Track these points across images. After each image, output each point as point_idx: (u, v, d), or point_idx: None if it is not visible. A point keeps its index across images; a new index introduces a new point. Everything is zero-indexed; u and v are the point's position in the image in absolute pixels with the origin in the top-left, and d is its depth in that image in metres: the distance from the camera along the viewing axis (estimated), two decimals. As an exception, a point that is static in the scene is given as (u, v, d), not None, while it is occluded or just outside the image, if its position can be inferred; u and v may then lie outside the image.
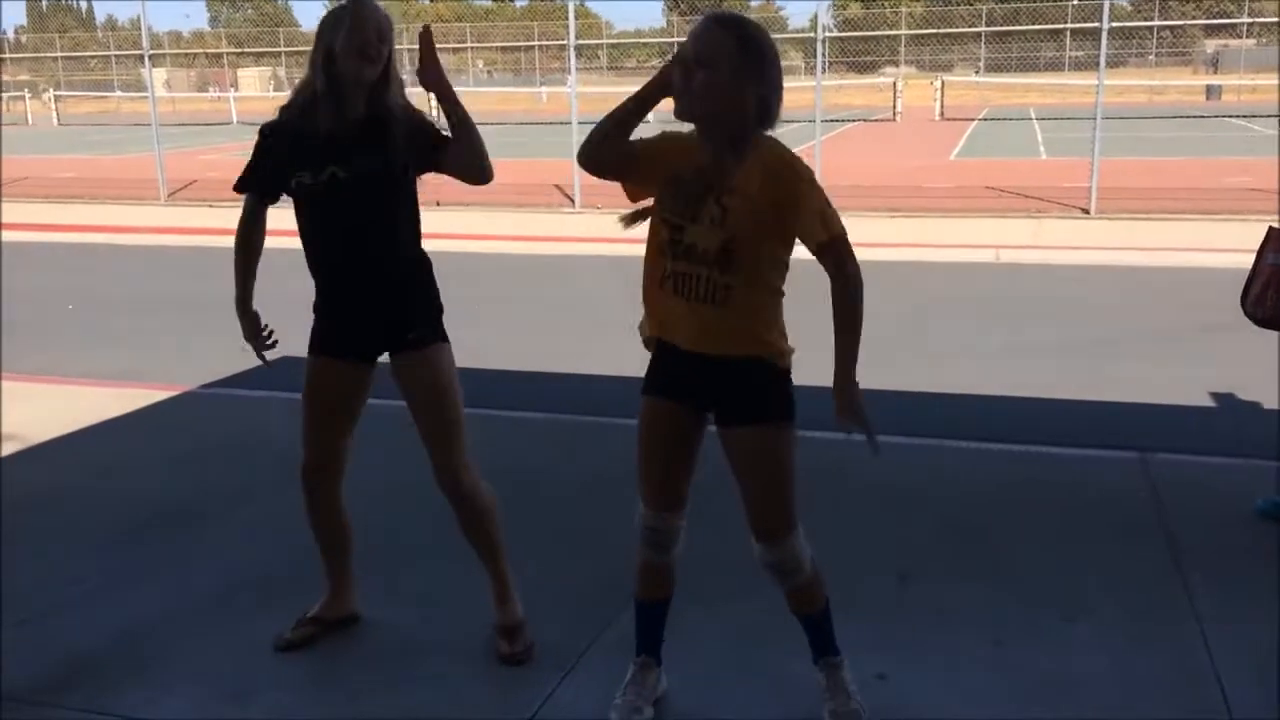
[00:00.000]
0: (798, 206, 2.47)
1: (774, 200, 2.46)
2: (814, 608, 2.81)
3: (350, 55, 2.87)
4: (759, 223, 2.47)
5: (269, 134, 3.03)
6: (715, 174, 2.49)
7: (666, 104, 2.56)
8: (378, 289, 3.01)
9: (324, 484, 3.19)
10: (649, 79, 2.58)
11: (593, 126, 2.61)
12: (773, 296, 2.59)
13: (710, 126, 2.50)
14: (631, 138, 2.60)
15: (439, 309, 3.13)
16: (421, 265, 3.11)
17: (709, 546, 3.15)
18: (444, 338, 3.11)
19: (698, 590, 3.30)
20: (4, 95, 48.16)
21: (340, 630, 3.32)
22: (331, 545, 3.28)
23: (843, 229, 2.52)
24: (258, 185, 3.07)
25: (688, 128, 2.56)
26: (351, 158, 2.92)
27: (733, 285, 2.50)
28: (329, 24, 2.91)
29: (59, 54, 49.93)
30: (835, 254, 2.51)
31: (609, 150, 2.60)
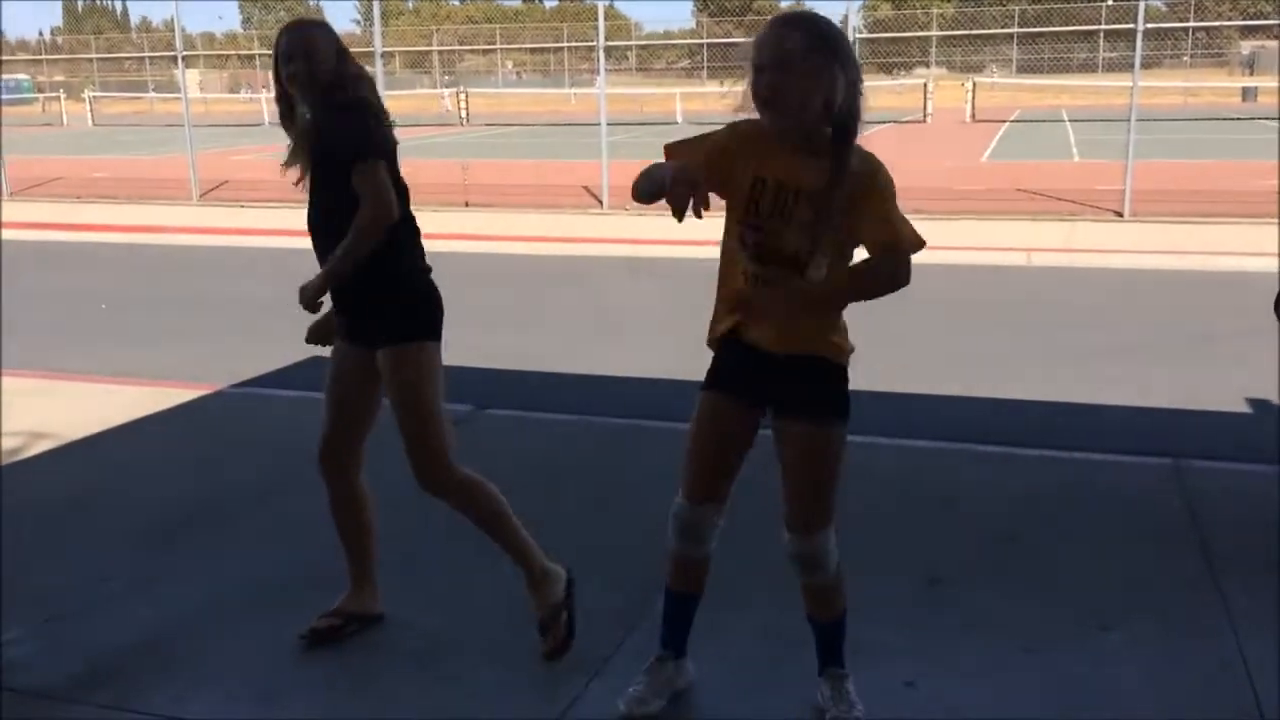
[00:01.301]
0: (866, 208, 2.50)
1: (851, 201, 2.48)
2: (830, 614, 2.82)
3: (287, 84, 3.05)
4: (838, 226, 2.50)
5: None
6: (801, 176, 2.49)
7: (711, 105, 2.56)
8: (345, 282, 3.05)
9: (339, 471, 3.22)
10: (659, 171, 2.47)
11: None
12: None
13: (792, 127, 2.49)
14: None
15: (413, 306, 3.08)
16: (396, 258, 3.05)
17: (742, 547, 3.13)
18: (411, 337, 3.06)
19: (729, 591, 3.28)
20: (40, 96, 48.80)
21: (365, 628, 3.32)
22: (351, 537, 3.30)
23: (912, 239, 2.55)
24: None
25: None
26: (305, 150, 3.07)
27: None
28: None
29: (94, 55, 50.51)
30: (895, 255, 2.55)
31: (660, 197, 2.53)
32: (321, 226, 3.07)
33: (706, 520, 2.74)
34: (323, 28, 3.10)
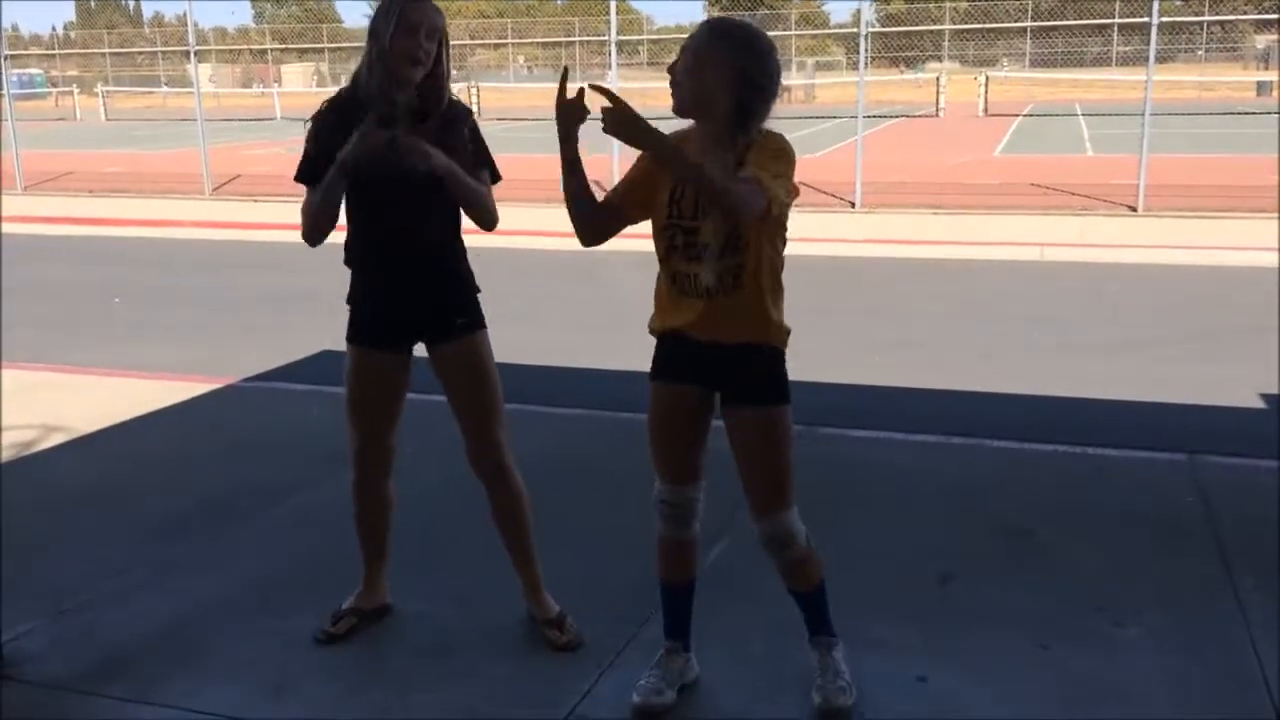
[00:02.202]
0: (752, 159, 2.53)
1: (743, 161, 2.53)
2: (809, 584, 2.87)
3: (400, 58, 2.89)
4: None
5: (320, 122, 3.02)
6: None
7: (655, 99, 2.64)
8: (425, 276, 3.07)
9: (378, 476, 3.23)
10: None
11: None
12: (776, 277, 2.67)
13: (700, 122, 2.60)
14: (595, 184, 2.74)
15: (477, 295, 3.18)
16: (463, 251, 3.16)
17: (749, 542, 3.12)
18: (484, 323, 3.16)
19: (739, 585, 3.27)
20: (53, 91, 48.97)
21: (376, 622, 3.33)
22: (373, 536, 3.32)
23: (778, 189, 2.50)
24: (316, 177, 3.03)
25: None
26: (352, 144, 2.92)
27: (743, 266, 2.59)
28: (381, 18, 2.92)
29: (107, 50, 50.66)
30: (755, 183, 2.47)
31: (597, 226, 2.77)
32: (399, 243, 3.03)
33: (685, 497, 2.81)
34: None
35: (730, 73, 2.52)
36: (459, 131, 3.05)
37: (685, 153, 2.48)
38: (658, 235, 2.71)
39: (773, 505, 2.74)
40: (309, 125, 3.03)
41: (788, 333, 2.72)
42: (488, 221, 3.09)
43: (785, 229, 2.65)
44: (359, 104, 2.94)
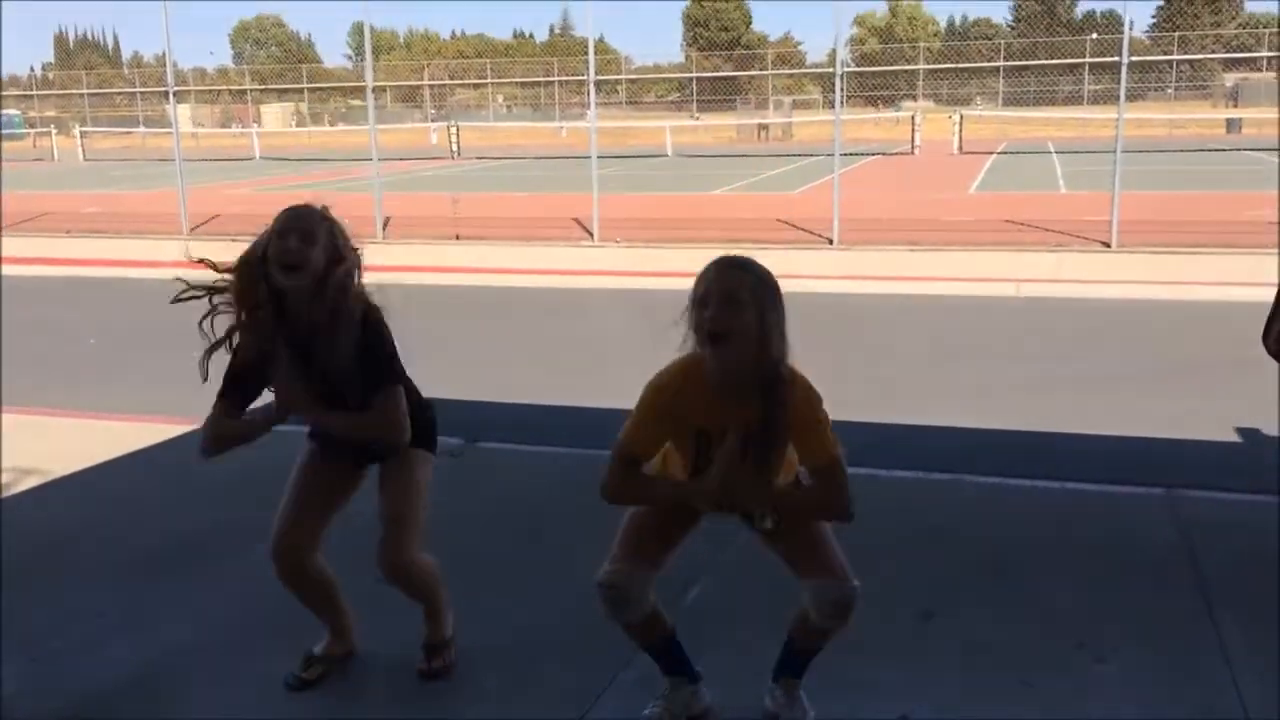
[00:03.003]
0: (806, 434, 2.60)
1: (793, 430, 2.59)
2: (819, 645, 2.83)
3: (275, 267, 2.88)
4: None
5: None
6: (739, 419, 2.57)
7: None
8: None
9: (302, 559, 3.14)
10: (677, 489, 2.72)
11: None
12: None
13: (741, 370, 2.56)
14: None
15: (423, 430, 3.12)
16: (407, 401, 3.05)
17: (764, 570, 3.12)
18: (420, 445, 3.13)
19: (714, 628, 3.25)
20: (31, 131, 48.88)
21: (348, 666, 3.29)
22: (318, 603, 3.24)
23: (840, 452, 2.62)
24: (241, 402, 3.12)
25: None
26: (314, 357, 2.94)
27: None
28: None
29: (85, 90, 50.66)
30: (831, 476, 2.63)
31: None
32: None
33: (636, 583, 2.75)
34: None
35: (774, 312, 2.54)
36: (342, 349, 2.94)
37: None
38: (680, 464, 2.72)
39: (831, 570, 2.71)
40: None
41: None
42: (390, 440, 3.03)
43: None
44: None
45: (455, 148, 37.16)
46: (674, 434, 2.67)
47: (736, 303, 2.48)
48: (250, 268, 2.92)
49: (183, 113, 31.35)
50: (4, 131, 43.87)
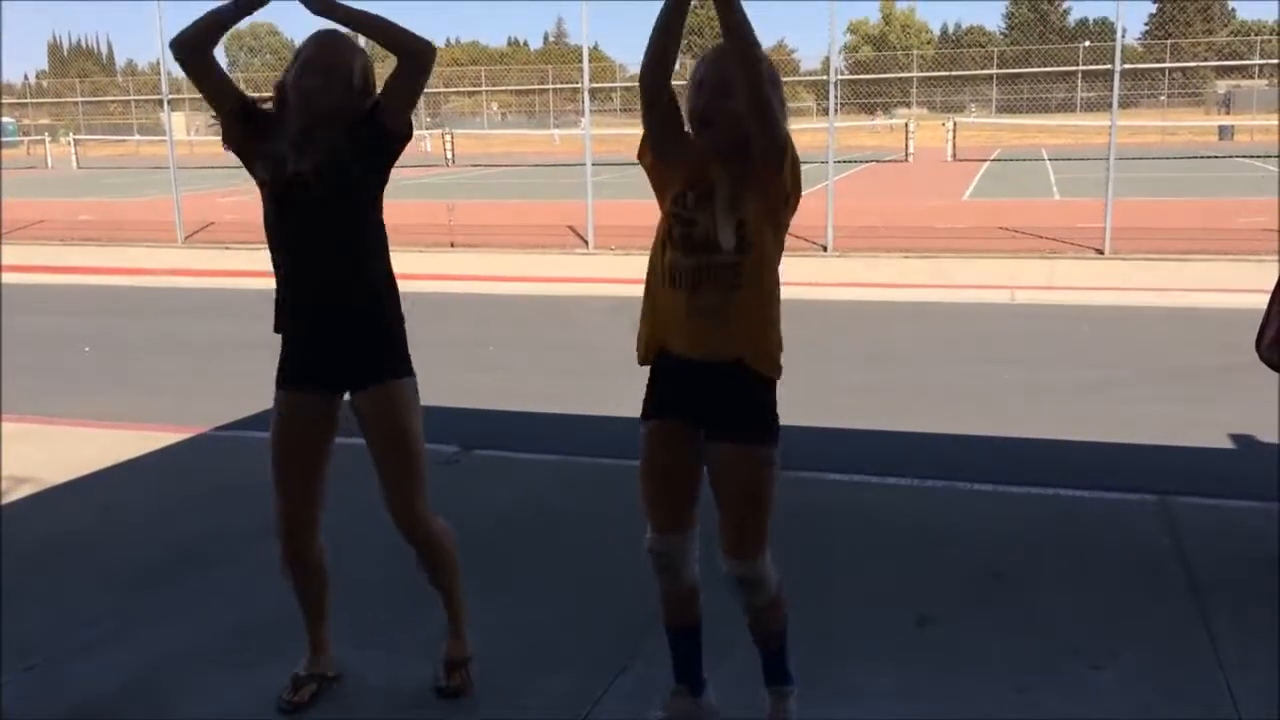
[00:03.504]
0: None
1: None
2: (775, 629, 2.80)
3: (296, 91, 2.87)
4: (761, 199, 2.56)
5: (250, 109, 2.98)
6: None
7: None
8: (340, 314, 2.93)
9: (303, 535, 3.06)
10: None
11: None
12: (774, 288, 2.61)
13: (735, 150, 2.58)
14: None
15: (405, 341, 3.03)
16: (390, 293, 3.01)
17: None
18: (410, 372, 3.02)
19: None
20: (24, 139, 48.79)
21: (337, 682, 3.24)
22: (314, 598, 3.16)
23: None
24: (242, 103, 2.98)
25: None
26: (306, 152, 2.86)
27: (743, 265, 2.53)
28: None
29: (79, 98, 50.60)
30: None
31: (666, 60, 2.67)
32: (328, 240, 2.90)
33: (674, 548, 2.72)
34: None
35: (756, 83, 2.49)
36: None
37: None
38: (661, 229, 2.69)
39: (745, 548, 2.65)
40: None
41: (779, 367, 2.64)
42: (420, 49, 2.89)
43: (787, 223, 2.64)
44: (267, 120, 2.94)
45: (450, 155, 37.17)
46: (677, 159, 2.67)
47: (724, 85, 2.51)
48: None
49: (177, 120, 31.34)
50: (3, 139, 43.84)
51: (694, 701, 2.89)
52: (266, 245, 2.97)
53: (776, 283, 2.62)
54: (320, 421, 2.99)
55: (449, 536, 3.13)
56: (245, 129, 2.94)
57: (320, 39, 2.90)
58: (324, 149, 2.85)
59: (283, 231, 2.93)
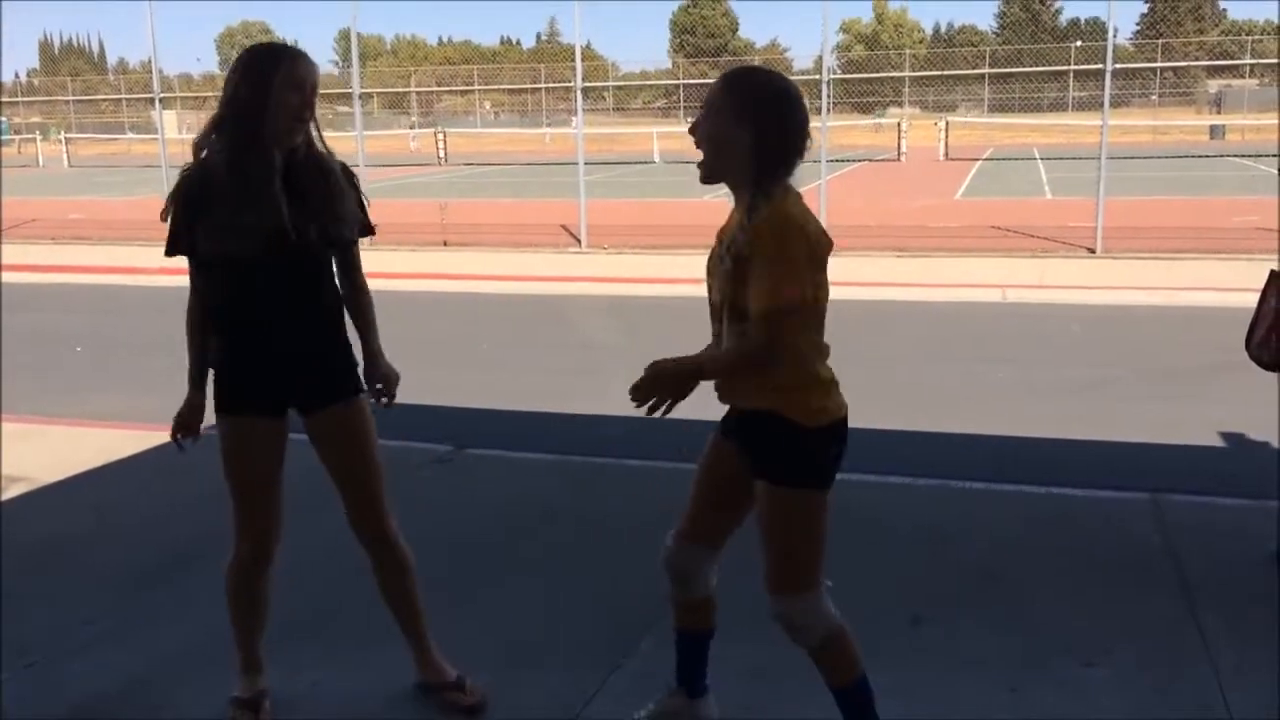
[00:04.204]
0: (752, 261, 2.37)
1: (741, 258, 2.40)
2: (839, 681, 2.66)
3: (286, 112, 2.70)
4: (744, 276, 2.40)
5: (188, 182, 2.78)
6: (731, 229, 2.49)
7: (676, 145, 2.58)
8: (303, 342, 2.88)
9: (261, 571, 3.02)
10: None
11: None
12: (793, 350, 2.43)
13: (726, 181, 2.50)
14: None
15: (353, 355, 3.01)
16: (339, 311, 2.97)
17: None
18: (360, 388, 2.98)
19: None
20: (16, 138, 48.64)
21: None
22: (256, 628, 3.11)
23: (787, 301, 2.34)
24: (190, 246, 2.83)
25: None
26: (283, 213, 2.74)
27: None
28: (267, 63, 2.71)
29: (70, 97, 50.44)
30: (766, 324, 2.35)
31: None
32: (291, 313, 2.84)
33: (689, 561, 2.70)
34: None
35: (746, 124, 2.37)
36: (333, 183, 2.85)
37: (682, 364, 2.41)
38: None
39: (779, 584, 2.56)
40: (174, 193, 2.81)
41: (823, 409, 2.53)
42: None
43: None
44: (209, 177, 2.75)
45: (443, 154, 37.15)
46: None
47: (709, 106, 2.42)
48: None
49: (169, 118, 31.26)
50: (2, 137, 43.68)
51: (688, 702, 2.87)
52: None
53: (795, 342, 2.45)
54: (278, 445, 2.96)
55: (408, 549, 3.08)
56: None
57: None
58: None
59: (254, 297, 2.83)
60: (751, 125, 2.38)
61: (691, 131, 2.47)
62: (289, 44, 2.86)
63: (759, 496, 2.55)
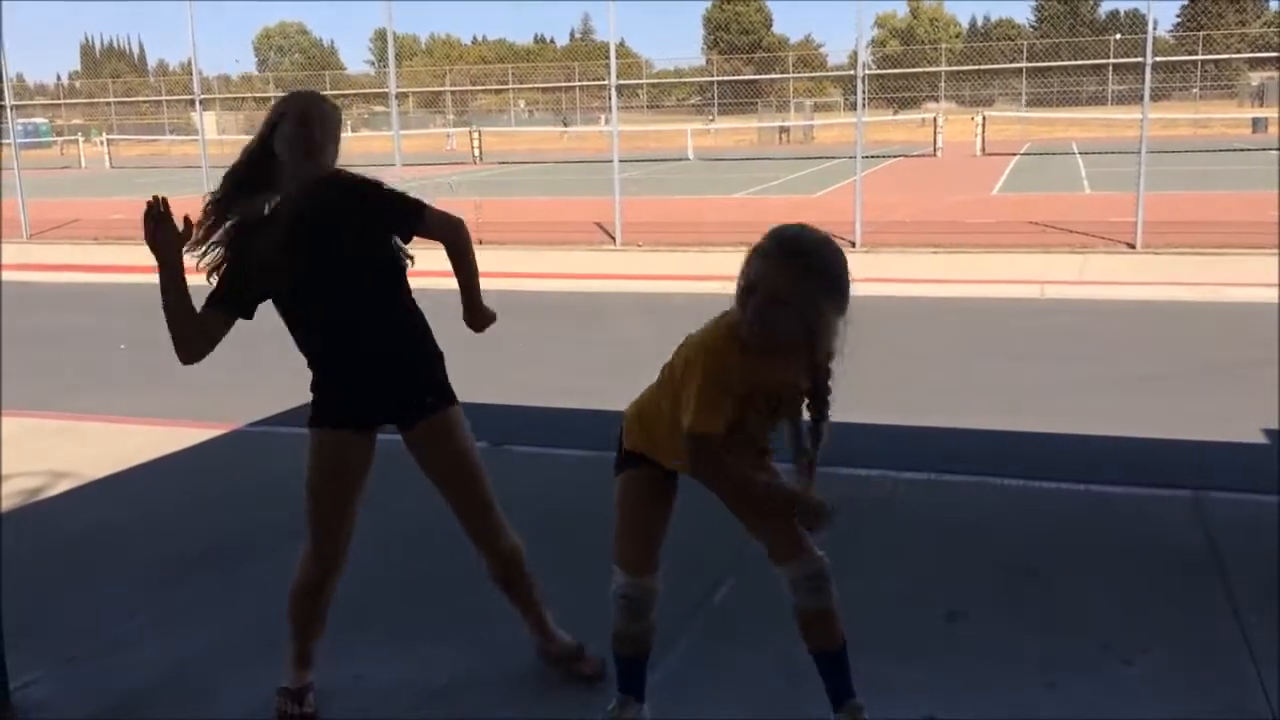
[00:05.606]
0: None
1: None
2: (836, 642, 2.73)
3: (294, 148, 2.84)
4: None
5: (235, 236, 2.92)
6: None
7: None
8: (391, 344, 2.94)
9: (329, 588, 3.08)
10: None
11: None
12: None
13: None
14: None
15: (443, 366, 3.07)
16: (422, 318, 3.04)
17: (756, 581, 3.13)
18: (455, 398, 3.05)
19: (744, 629, 3.27)
20: (58, 140, 49.34)
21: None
22: (316, 633, 3.16)
23: (695, 424, 2.48)
24: (234, 304, 2.93)
25: None
26: (331, 242, 2.82)
27: None
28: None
29: (112, 99, 51.13)
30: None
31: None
32: (368, 320, 2.89)
33: (650, 593, 2.75)
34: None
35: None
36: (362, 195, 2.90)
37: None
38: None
39: (795, 548, 2.65)
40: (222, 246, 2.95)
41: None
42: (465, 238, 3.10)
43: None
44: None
45: (478, 152, 37.32)
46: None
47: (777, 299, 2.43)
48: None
49: (208, 120, 31.62)
50: (31, 139, 44.26)
51: (638, 706, 2.88)
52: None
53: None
54: (364, 462, 3.01)
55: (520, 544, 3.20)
56: None
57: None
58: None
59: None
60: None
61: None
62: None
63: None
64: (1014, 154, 31.88)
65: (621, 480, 2.80)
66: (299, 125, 2.83)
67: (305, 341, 2.95)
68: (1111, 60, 35.30)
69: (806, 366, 2.53)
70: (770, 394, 2.57)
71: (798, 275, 2.42)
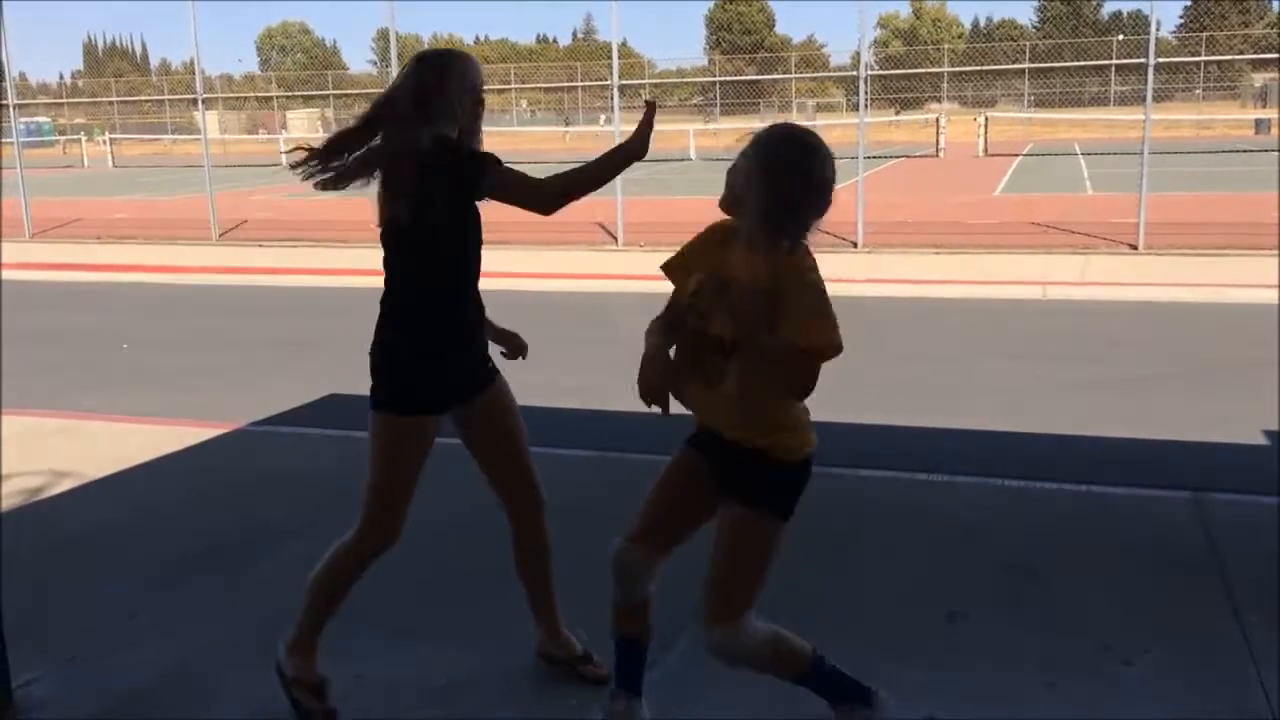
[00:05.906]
0: (784, 297, 2.49)
1: (771, 291, 2.49)
2: (795, 674, 2.72)
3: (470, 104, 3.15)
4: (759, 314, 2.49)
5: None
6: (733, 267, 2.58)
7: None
8: (478, 323, 3.17)
9: (380, 556, 3.11)
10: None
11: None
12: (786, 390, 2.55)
13: (736, 219, 2.63)
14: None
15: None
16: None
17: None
18: (497, 368, 3.23)
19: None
20: (60, 139, 49.39)
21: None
22: (335, 613, 3.17)
23: (828, 342, 2.52)
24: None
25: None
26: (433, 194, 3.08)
27: (744, 370, 2.53)
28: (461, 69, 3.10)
29: (114, 98, 51.16)
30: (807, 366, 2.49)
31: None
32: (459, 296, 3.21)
33: (639, 564, 2.72)
34: None
35: (767, 170, 2.49)
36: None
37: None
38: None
39: (717, 613, 2.60)
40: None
41: (804, 443, 2.62)
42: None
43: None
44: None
45: (480, 152, 37.32)
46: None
47: (741, 156, 2.57)
48: None
49: (211, 119, 31.66)
50: (34, 138, 44.32)
51: (631, 703, 2.89)
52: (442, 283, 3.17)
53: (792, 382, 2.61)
54: (425, 443, 3.06)
55: None
56: None
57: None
58: None
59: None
60: (781, 171, 2.53)
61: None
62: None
63: (730, 516, 2.61)
64: (1016, 155, 31.86)
65: (674, 453, 2.79)
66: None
67: (449, 308, 3.11)
68: (1114, 61, 35.30)
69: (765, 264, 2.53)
70: (725, 280, 2.59)
71: (758, 148, 2.56)
